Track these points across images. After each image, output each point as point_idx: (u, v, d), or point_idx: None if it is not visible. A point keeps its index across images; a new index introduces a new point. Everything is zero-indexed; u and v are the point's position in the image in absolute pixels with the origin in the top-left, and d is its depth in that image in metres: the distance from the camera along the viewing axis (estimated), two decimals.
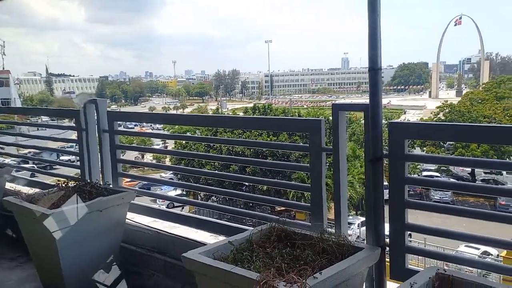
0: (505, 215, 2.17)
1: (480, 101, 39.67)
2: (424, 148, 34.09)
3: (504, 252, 17.06)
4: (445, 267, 1.96)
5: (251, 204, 23.55)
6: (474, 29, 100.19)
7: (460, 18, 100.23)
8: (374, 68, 2.21)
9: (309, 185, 2.67)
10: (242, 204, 24.98)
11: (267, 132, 25.90)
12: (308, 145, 2.65)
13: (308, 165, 2.68)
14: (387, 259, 2.31)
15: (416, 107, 79.30)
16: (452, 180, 30.65)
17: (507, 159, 31.78)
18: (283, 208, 21.22)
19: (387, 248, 2.31)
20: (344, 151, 2.50)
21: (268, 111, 35.73)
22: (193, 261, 2.12)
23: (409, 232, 2.36)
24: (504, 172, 32.30)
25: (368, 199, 2.34)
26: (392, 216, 2.27)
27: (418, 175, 32.94)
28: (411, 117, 62.56)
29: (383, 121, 2.34)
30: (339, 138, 2.46)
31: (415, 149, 34.46)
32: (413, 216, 2.31)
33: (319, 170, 2.58)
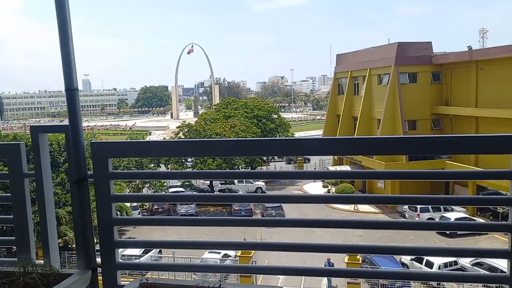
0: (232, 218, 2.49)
1: (212, 120, 44.72)
2: (169, 166, 35.95)
3: (239, 252, 19.59)
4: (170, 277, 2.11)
5: None
6: (205, 56, 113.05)
7: (192, 46, 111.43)
8: (70, 88, 2.18)
9: (12, 216, 2.41)
10: None
11: None
12: (7, 172, 2.40)
13: (10, 194, 2.42)
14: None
15: (160, 128, 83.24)
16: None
17: (237, 169, 36.85)
18: None
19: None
20: (48, 175, 2.36)
21: None
22: None
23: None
24: (235, 181, 37.34)
25: (76, 221, 2.28)
26: (102, 235, 2.28)
27: (166, 192, 34.47)
28: (156, 137, 65.22)
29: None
30: (41, 162, 2.33)
31: (160, 166, 35.97)
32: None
33: (22, 198, 2.37)
